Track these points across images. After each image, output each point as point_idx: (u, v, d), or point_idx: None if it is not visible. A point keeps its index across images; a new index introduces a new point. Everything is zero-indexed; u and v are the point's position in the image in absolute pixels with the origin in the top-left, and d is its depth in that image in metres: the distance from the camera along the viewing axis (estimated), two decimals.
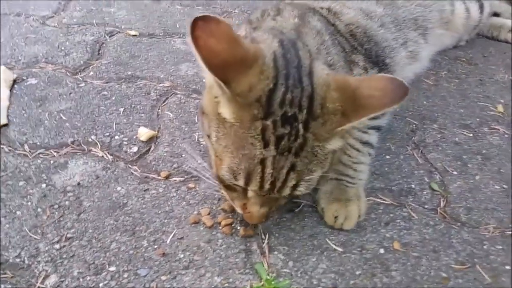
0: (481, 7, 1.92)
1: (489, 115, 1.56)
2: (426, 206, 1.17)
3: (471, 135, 1.45)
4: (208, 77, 0.86)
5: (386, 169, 1.28)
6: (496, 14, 2.13)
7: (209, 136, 0.99)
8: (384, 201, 1.17)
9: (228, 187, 0.98)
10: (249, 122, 0.88)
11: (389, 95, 0.90)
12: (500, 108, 1.59)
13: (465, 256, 1.04)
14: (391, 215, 1.14)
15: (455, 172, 1.29)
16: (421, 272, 1.00)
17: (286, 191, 0.93)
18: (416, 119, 1.51)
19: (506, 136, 1.45)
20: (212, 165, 1.00)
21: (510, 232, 1.11)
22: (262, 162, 0.88)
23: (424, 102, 1.60)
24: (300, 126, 0.89)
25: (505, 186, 1.25)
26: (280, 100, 0.88)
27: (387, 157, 1.33)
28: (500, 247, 1.07)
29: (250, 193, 0.95)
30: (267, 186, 0.91)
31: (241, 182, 0.91)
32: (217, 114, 0.93)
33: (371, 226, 1.10)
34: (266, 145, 0.88)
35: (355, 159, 1.19)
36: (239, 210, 1.01)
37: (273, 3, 1.44)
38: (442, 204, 1.18)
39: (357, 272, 0.99)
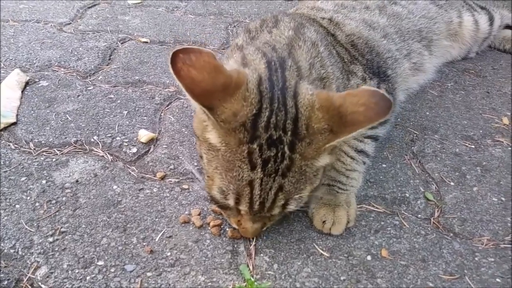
0: (491, 19, 1.90)
1: (494, 127, 1.53)
2: (419, 215, 1.16)
3: (472, 146, 1.43)
4: (194, 104, 0.89)
5: (381, 177, 1.28)
6: (509, 27, 2.11)
7: (201, 157, 1.02)
8: (376, 209, 1.17)
9: (222, 206, 1.00)
10: (235, 146, 0.90)
11: (373, 109, 0.89)
12: (506, 120, 1.56)
13: (455, 267, 1.03)
14: (382, 223, 1.13)
15: (452, 183, 1.27)
16: (407, 280, 0.99)
17: (276, 210, 0.95)
18: (417, 129, 1.50)
19: (509, 148, 1.43)
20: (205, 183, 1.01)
21: (505, 245, 1.09)
22: (250, 184, 0.90)
23: (427, 113, 1.59)
24: (286, 148, 0.90)
25: (503, 198, 1.22)
26: (264, 124, 0.90)
27: (383, 165, 1.32)
28: (492, 259, 1.05)
29: (243, 211, 0.97)
30: (256, 206, 0.93)
31: (231, 202, 0.94)
32: (205, 138, 0.95)
33: (360, 233, 1.10)
34: (253, 167, 0.90)
35: (349, 166, 1.19)
36: (234, 225, 1.03)
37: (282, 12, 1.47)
38: (436, 214, 1.17)
39: (342, 278, 0.98)
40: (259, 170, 0.89)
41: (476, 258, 1.05)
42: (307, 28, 1.25)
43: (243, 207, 0.94)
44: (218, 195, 0.95)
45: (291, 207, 0.95)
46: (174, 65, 0.85)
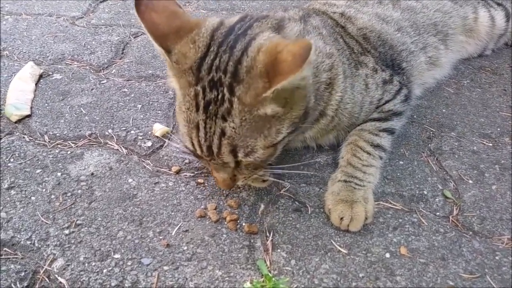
0: (507, 15, 1.86)
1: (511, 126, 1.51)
2: (437, 213, 1.14)
3: (490, 144, 1.41)
4: (156, 46, 0.94)
5: (399, 174, 1.26)
6: None
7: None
8: (394, 206, 1.15)
9: (197, 156, 1.02)
10: (186, 88, 0.93)
11: (296, 60, 0.82)
12: None
13: (475, 266, 1.01)
14: (400, 220, 1.11)
15: (470, 181, 1.25)
16: (427, 278, 0.97)
17: (226, 157, 0.94)
18: (434, 126, 1.48)
19: None
20: None
21: None
22: (197, 126, 0.93)
23: (443, 110, 1.57)
24: (226, 90, 0.90)
25: None
26: (208, 66, 0.91)
27: (401, 162, 1.30)
28: None
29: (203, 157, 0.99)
30: (205, 149, 0.94)
31: (189, 145, 0.97)
32: (169, 83, 1.01)
33: (378, 230, 1.08)
34: (197, 109, 0.92)
35: (365, 161, 1.18)
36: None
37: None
38: (454, 212, 1.15)
39: (361, 275, 0.97)
40: (202, 111, 0.91)
41: (497, 257, 1.03)
42: (312, 17, 1.25)
43: (197, 151, 0.96)
44: (181, 139, 0.99)
45: (241, 155, 0.93)
46: (138, 8, 0.93)
